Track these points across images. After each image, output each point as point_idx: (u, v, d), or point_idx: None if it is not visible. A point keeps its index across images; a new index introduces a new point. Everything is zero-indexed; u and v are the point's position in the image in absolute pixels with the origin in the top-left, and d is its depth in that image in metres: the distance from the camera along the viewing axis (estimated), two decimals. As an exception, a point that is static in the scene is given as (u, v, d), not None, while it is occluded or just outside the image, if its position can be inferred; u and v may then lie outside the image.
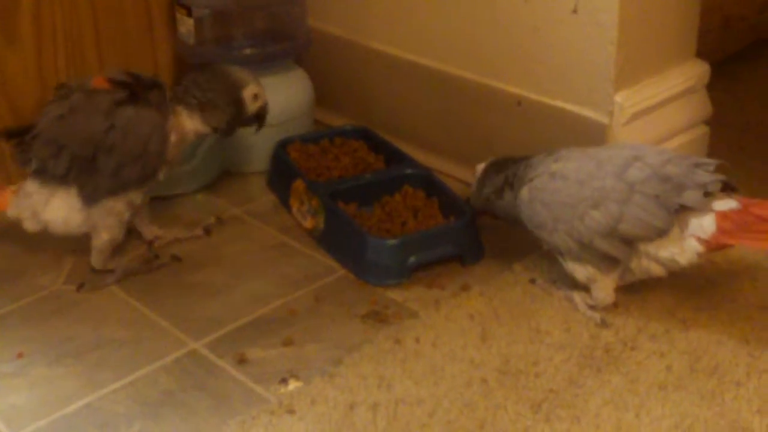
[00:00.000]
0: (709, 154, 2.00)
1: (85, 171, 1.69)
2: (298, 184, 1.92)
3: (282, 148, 2.04)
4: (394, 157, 2.01)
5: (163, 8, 2.19)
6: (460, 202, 1.84)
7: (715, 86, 2.00)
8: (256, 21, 2.15)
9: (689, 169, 1.55)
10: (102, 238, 1.75)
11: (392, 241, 1.75)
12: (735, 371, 1.51)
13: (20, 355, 1.59)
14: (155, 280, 1.77)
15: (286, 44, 2.14)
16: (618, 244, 1.57)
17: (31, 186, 1.71)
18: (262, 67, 2.09)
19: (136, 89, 1.71)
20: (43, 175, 1.70)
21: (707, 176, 1.54)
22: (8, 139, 1.72)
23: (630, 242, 1.56)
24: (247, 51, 2.11)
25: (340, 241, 1.81)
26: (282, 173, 2.01)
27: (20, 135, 1.71)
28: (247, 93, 1.80)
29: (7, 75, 2.00)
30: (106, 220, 1.74)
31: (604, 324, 1.61)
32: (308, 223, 1.88)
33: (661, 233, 1.54)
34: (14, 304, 1.71)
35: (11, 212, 1.74)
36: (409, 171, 1.95)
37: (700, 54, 1.98)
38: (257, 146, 2.08)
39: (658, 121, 1.89)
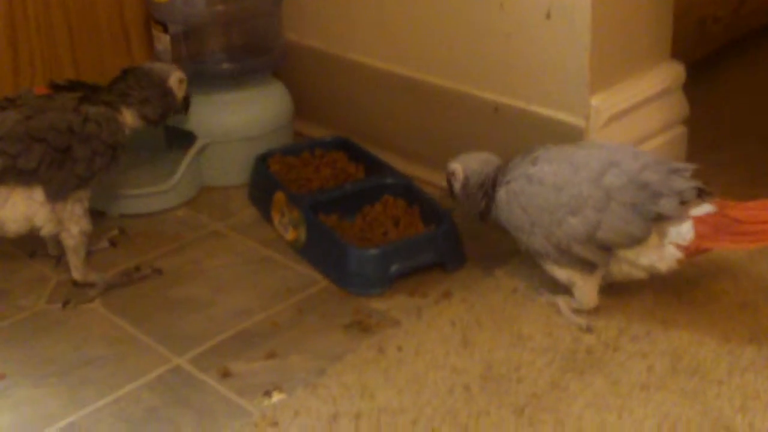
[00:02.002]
0: (688, 155, 2.01)
1: (54, 165, 1.70)
2: (279, 197, 1.92)
3: (262, 161, 2.04)
4: (374, 166, 2.02)
5: (140, 26, 2.20)
6: (441, 210, 1.84)
7: (692, 87, 2.01)
8: (232, 36, 2.16)
9: (666, 176, 1.55)
10: (73, 234, 1.75)
11: (373, 251, 1.75)
12: (716, 370, 1.51)
13: (2, 376, 1.59)
14: (137, 297, 1.77)
15: (262, 58, 2.14)
16: (596, 250, 1.57)
17: None
18: (240, 82, 2.11)
19: (86, 91, 1.79)
20: (7, 173, 1.68)
21: (683, 183, 1.54)
22: None
23: (608, 248, 1.57)
24: (224, 66, 2.11)
25: (321, 252, 1.81)
26: (263, 186, 2.01)
27: None
28: (173, 81, 1.90)
29: (-16, 95, 2.00)
30: (75, 210, 1.75)
31: (589, 330, 1.61)
32: (290, 235, 1.88)
33: (639, 241, 1.54)
34: (-4, 324, 1.72)
35: None
36: (389, 180, 1.96)
37: (676, 55, 2.00)
38: (237, 160, 2.08)
39: (635, 123, 1.90)
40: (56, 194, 1.72)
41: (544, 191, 1.59)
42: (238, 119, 2.11)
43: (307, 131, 2.28)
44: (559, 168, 1.60)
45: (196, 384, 1.55)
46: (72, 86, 1.81)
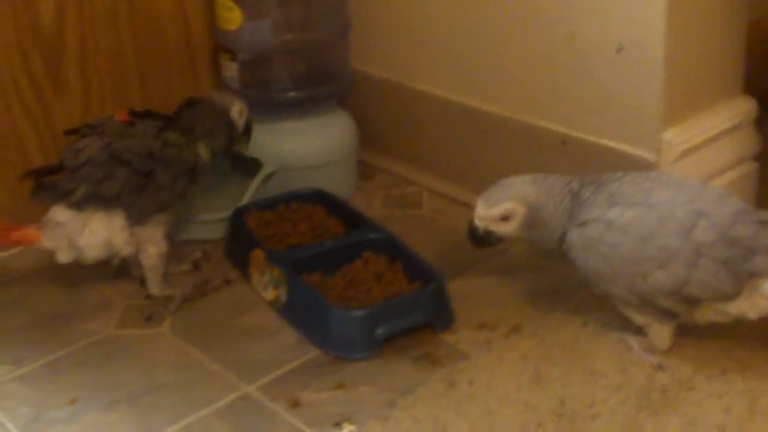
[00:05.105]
0: (759, 191, 1.98)
1: (137, 190, 1.74)
2: (258, 254, 1.85)
3: (238, 216, 1.95)
4: (353, 220, 1.94)
5: (207, 53, 2.22)
6: (426, 266, 1.76)
7: (764, 123, 1.99)
8: (300, 64, 2.16)
9: (757, 230, 1.49)
10: (151, 255, 1.79)
11: (358, 313, 1.67)
12: (795, 412, 1.49)
13: (73, 401, 1.59)
14: (205, 323, 1.78)
15: (329, 86, 2.15)
16: (681, 302, 1.53)
17: (64, 215, 1.73)
18: (305, 110, 2.12)
19: (164, 121, 1.83)
20: (89, 200, 1.72)
21: None
22: (42, 176, 1.74)
23: (694, 301, 1.53)
24: (291, 94, 2.12)
25: (303, 313, 1.73)
26: (240, 243, 1.92)
27: (49, 173, 1.74)
28: (234, 112, 1.93)
29: (55, 123, 2.02)
30: (154, 234, 1.78)
31: (661, 368, 1.58)
32: (269, 295, 1.81)
33: (730, 298, 1.51)
34: (65, 349, 1.72)
35: (47, 244, 1.75)
36: (371, 236, 1.87)
37: (746, 90, 1.98)
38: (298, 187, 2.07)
39: (707, 158, 1.88)
40: (138, 218, 1.75)
41: (628, 241, 1.52)
42: (304, 148, 2.12)
43: (372, 161, 2.28)
44: (643, 216, 1.53)
45: (266, 413, 1.55)
46: (150, 115, 1.84)
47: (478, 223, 1.65)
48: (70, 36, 2.01)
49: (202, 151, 1.87)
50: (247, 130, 1.98)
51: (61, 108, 2.04)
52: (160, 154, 1.75)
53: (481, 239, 1.66)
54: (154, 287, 1.81)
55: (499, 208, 1.62)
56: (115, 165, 1.73)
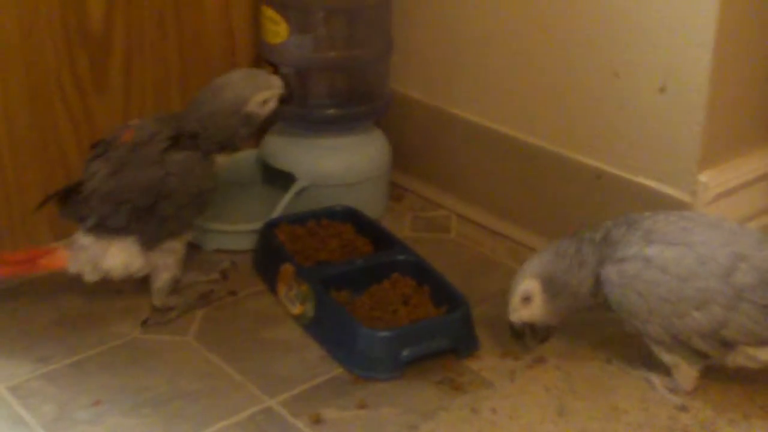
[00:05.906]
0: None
1: (143, 219, 1.74)
2: (287, 269, 1.85)
3: (270, 229, 1.96)
4: (382, 240, 1.95)
5: (250, 64, 2.23)
6: (453, 291, 1.76)
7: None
8: (341, 81, 2.18)
9: None
10: (163, 279, 1.80)
11: (385, 333, 1.67)
12: (818, 463, 1.48)
13: (97, 403, 1.60)
14: (230, 334, 1.78)
15: (368, 106, 2.16)
16: (717, 345, 1.53)
17: (86, 239, 1.76)
18: (342, 128, 2.13)
19: (177, 136, 1.77)
20: (102, 228, 1.75)
21: None
22: (64, 199, 1.77)
23: (730, 345, 1.53)
24: (330, 111, 2.13)
25: (329, 330, 1.73)
26: (270, 256, 1.93)
27: (70, 193, 1.76)
28: (252, 106, 1.81)
29: (96, 124, 2.04)
30: (167, 260, 1.79)
31: (684, 409, 1.58)
32: (296, 310, 1.81)
33: (766, 343, 1.51)
34: (91, 350, 1.73)
35: (72, 268, 1.78)
36: (400, 257, 1.87)
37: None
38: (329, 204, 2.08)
39: (741, 203, 1.88)
40: (150, 244, 1.77)
41: (667, 281, 1.52)
42: (338, 165, 2.12)
43: (403, 182, 2.29)
44: (682, 255, 1.53)
45: (288, 427, 1.55)
46: (154, 136, 1.76)
47: (512, 318, 1.66)
48: (117, 38, 2.03)
49: (217, 159, 1.81)
50: (284, 102, 1.86)
51: (102, 110, 2.05)
52: (160, 187, 1.72)
53: (523, 333, 1.66)
54: (157, 299, 1.82)
55: (516, 294, 1.64)
56: (118, 202, 1.73)
